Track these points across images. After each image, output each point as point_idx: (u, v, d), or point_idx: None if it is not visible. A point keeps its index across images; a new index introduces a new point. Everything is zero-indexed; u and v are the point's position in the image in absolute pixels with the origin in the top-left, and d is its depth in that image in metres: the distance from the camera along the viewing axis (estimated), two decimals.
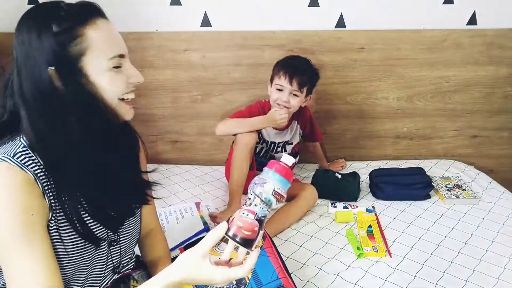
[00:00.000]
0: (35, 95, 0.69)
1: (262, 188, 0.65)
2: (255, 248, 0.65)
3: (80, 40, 0.70)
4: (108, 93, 0.74)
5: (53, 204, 0.71)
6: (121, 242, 0.88)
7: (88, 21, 0.71)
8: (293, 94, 1.54)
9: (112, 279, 0.89)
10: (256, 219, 0.64)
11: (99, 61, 0.71)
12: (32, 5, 0.72)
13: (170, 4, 1.81)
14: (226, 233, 0.64)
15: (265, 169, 0.67)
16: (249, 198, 0.66)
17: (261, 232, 0.65)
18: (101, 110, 0.74)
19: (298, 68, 1.54)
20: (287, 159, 0.67)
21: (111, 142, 0.78)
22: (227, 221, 0.66)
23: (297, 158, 1.80)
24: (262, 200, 0.64)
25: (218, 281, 0.65)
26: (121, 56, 0.75)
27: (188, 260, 0.67)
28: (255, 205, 0.65)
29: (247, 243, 0.63)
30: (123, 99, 0.77)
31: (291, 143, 1.73)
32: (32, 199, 0.68)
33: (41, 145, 0.71)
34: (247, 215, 0.64)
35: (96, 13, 0.73)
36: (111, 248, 0.86)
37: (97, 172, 0.76)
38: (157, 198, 0.99)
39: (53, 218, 0.72)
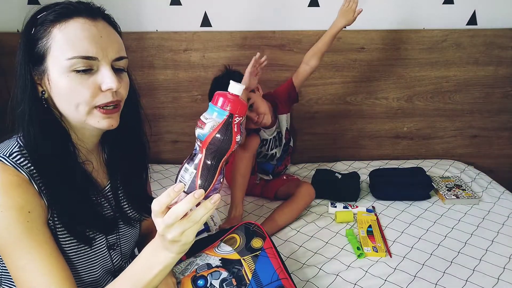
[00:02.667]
0: (16, 94, 0.70)
1: None
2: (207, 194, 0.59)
3: (46, 39, 0.67)
4: (68, 98, 0.69)
5: (50, 204, 0.70)
6: (122, 245, 0.87)
7: (61, 19, 0.67)
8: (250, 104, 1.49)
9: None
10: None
11: (59, 61, 0.67)
12: (32, 5, 0.72)
13: (170, 4, 1.81)
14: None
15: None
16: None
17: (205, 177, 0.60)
18: (54, 116, 0.72)
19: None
20: (233, 88, 0.59)
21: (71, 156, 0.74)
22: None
23: (291, 143, 1.77)
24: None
25: (159, 229, 0.60)
26: (90, 58, 0.67)
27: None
28: None
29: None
30: (96, 107, 0.70)
31: (281, 133, 1.68)
32: (27, 197, 0.67)
33: (26, 148, 0.71)
34: None
35: (77, 12, 0.68)
36: (111, 251, 0.84)
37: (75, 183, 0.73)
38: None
39: (50, 218, 0.71)
